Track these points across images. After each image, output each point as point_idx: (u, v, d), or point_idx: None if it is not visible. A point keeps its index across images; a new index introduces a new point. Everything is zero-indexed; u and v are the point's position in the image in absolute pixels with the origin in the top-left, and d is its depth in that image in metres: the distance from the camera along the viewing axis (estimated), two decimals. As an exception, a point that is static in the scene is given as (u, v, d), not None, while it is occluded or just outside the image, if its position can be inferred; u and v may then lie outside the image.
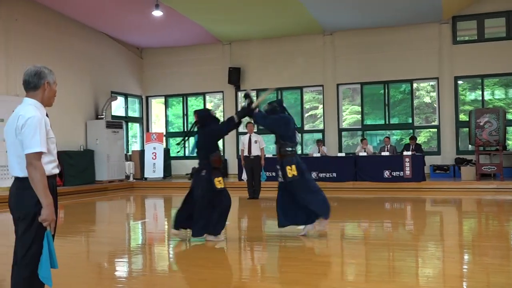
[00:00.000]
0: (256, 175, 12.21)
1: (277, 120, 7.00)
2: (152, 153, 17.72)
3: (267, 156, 12.90)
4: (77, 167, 15.71)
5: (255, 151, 12.20)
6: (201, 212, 6.64)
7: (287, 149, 6.87)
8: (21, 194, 3.27)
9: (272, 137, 7.65)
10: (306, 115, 18.64)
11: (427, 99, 17.95)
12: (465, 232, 8.05)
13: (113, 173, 16.81)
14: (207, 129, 6.81)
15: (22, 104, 3.36)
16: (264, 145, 12.61)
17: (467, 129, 15.31)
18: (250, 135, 12.31)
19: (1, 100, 13.04)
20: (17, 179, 3.32)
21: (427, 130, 17.80)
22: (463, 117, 16.61)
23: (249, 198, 12.27)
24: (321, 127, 18.24)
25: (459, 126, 16.53)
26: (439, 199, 12.39)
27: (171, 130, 20.31)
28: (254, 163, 12.18)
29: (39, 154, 3.19)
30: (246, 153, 12.39)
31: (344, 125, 18.15)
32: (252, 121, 13.14)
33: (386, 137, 15.86)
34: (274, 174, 14.97)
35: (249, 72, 18.64)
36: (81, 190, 14.79)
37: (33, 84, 3.34)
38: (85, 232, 8.29)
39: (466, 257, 5.95)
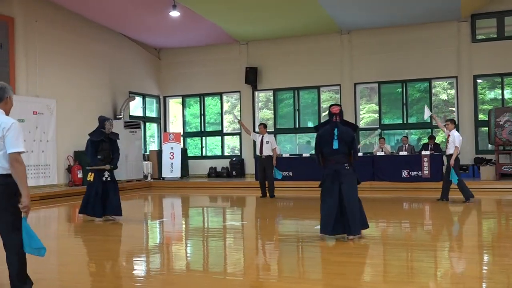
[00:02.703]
0: (269, 175, 12.43)
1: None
2: (170, 153, 17.82)
3: (284, 156, 13.05)
4: (95, 167, 15.86)
5: (267, 151, 12.58)
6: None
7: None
8: (3, 189, 3.76)
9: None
10: (323, 114, 18.54)
11: (443, 97, 17.75)
12: (484, 233, 7.95)
13: (131, 173, 16.95)
14: None
15: None
16: (276, 146, 13.02)
17: (487, 128, 15.12)
18: (262, 136, 12.66)
19: (21, 100, 13.18)
20: None
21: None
22: (482, 116, 16.40)
23: (261, 196, 12.56)
24: (338, 126, 18.07)
25: (478, 126, 16.34)
26: (458, 199, 12.25)
27: (189, 130, 20.40)
28: (265, 163, 12.47)
29: (21, 153, 3.78)
30: (258, 153, 12.94)
31: (362, 124, 18.05)
32: (264, 123, 13.45)
33: (404, 136, 15.71)
34: (291, 173, 15.16)
35: (266, 72, 18.64)
36: (100, 190, 14.90)
37: None
38: (103, 231, 8.37)
39: (485, 258, 5.88)
